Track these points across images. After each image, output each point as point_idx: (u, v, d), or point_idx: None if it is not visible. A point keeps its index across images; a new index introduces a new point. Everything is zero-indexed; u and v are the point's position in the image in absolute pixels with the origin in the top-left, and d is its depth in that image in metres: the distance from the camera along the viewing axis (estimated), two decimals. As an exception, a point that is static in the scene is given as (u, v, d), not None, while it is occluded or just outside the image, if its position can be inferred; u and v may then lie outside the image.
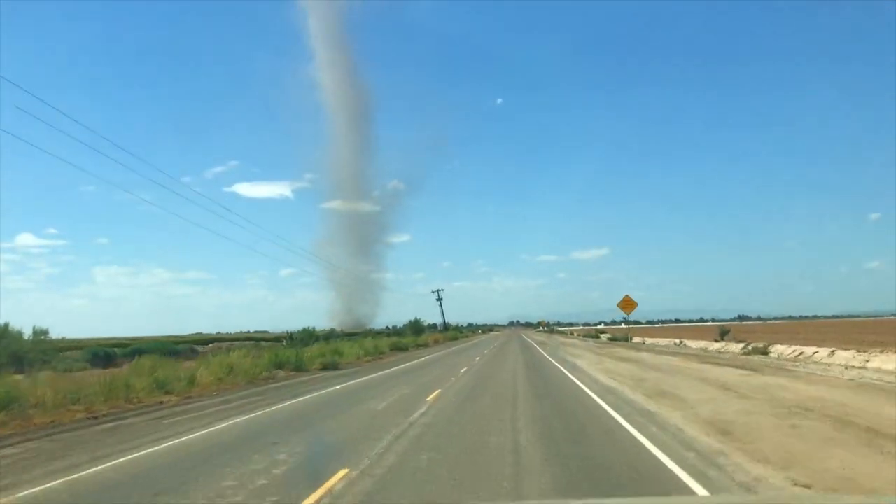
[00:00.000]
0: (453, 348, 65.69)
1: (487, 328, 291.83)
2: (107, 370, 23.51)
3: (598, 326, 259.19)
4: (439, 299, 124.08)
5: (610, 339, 64.42)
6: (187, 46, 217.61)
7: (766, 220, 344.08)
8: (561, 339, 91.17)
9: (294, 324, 75.09)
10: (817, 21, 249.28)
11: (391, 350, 57.99)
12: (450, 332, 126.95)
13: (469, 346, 69.54)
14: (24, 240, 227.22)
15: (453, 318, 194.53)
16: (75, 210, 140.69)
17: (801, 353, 26.41)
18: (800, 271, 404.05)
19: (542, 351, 47.44)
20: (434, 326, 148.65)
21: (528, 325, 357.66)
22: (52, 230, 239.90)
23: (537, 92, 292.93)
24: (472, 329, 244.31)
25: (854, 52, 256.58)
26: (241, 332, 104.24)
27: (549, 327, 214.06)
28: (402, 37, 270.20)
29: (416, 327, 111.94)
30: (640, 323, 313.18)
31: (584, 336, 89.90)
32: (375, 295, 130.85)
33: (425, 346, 79.32)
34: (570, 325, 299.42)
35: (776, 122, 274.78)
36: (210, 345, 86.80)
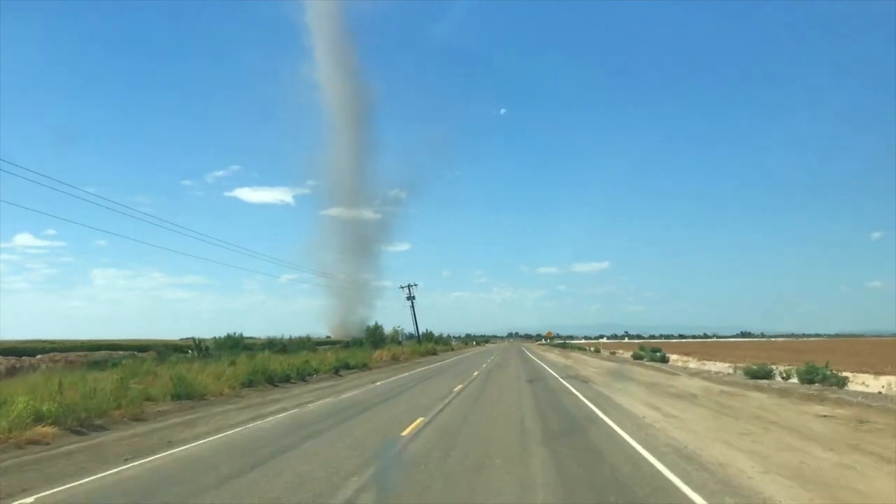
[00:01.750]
0: (399, 377, 31.48)
1: (483, 339, 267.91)
2: None
3: (601, 340, 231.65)
4: (410, 298, 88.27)
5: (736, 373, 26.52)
6: (187, 45, 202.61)
7: (767, 237, 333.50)
8: (606, 363, 54.26)
9: (291, 330, 50.35)
10: (817, 43, 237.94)
11: (245, 386, 23.99)
12: (426, 345, 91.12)
13: (430, 374, 34.73)
14: (22, 240, 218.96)
15: (451, 329, 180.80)
16: (74, 211, 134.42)
17: None
18: (801, 289, 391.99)
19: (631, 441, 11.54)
20: (436, 337, 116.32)
21: (528, 336, 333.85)
22: (51, 231, 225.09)
23: (542, 104, 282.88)
24: (467, 340, 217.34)
25: (856, 71, 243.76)
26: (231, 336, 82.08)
27: (552, 340, 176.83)
28: (404, 44, 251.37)
29: (374, 337, 77.20)
30: (643, 337, 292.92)
31: (634, 357, 53.17)
32: (371, 302, 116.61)
33: (364, 368, 44.52)
34: (570, 337, 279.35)
35: (778, 139, 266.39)
36: (39, 355, 52.90)
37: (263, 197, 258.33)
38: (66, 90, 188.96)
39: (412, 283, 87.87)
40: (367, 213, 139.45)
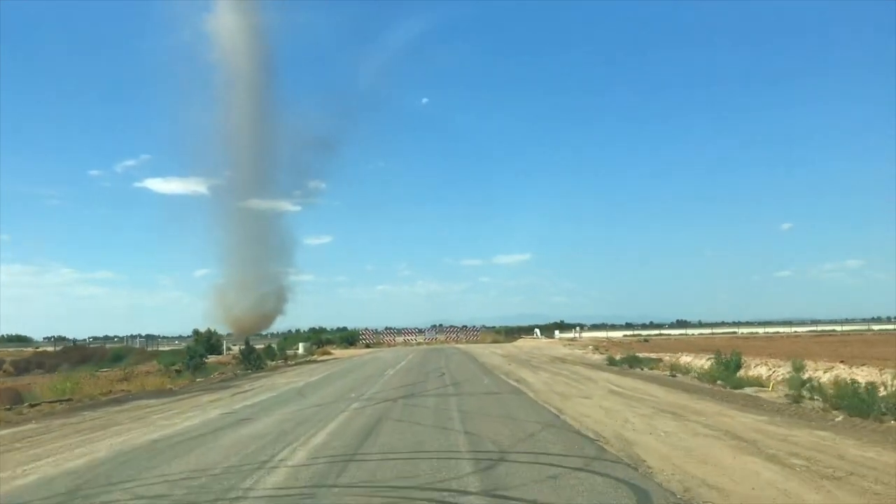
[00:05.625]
0: None
1: (395, 331, 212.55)
2: None
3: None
4: None
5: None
6: (83, 23, 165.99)
7: (685, 228, 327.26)
8: None
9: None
10: (749, 39, 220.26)
11: None
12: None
13: None
14: None
15: (372, 322, 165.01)
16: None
17: None
18: (718, 279, 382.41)
19: None
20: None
21: (453, 327, 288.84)
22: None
23: (464, 92, 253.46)
24: (351, 337, 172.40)
25: (778, 64, 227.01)
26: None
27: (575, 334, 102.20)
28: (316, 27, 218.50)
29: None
30: (585, 326, 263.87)
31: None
32: (284, 297, 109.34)
33: None
34: (534, 327, 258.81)
35: (696, 133, 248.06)
36: None
37: (175, 188, 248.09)
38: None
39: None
40: (287, 205, 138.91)
